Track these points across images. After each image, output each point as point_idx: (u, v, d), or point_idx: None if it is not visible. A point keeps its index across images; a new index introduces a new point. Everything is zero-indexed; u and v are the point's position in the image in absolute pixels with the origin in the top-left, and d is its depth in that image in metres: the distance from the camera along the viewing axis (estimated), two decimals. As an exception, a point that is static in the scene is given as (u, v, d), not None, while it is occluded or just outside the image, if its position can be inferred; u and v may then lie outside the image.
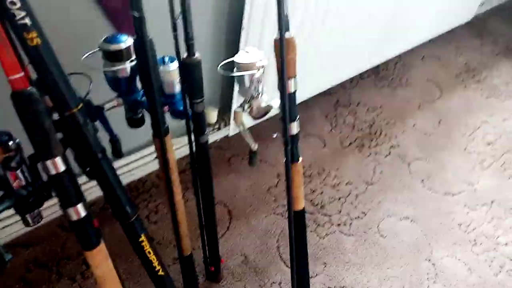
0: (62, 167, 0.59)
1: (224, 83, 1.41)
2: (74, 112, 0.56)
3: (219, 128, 1.50)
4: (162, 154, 0.75)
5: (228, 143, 1.57)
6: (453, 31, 2.26)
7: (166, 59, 0.84)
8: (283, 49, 0.63)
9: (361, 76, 1.96)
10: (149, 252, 0.70)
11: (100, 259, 0.65)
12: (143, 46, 0.63)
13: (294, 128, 0.75)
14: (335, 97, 1.84)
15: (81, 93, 0.73)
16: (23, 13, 0.48)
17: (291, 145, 0.74)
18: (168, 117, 0.88)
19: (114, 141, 0.79)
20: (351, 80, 1.92)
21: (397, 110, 1.83)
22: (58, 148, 0.58)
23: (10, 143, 0.60)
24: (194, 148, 0.88)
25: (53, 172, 0.58)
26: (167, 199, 0.84)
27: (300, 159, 0.79)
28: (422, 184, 1.52)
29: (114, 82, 0.79)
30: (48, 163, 0.57)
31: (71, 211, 0.61)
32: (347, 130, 1.71)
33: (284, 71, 0.65)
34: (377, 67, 1.99)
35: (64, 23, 0.95)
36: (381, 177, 1.53)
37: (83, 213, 0.62)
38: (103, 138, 0.74)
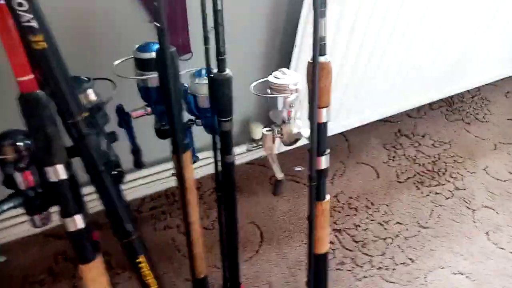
0: (63, 175, 0.56)
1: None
2: (77, 121, 0.54)
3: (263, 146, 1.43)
4: (179, 172, 0.71)
5: (273, 161, 1.50)
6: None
7: (203, 71, 0.80)
8: (315, 75, 0.56)
9: (430, 106, 1.78)
10: (146, 274, 0.66)
11: (94, 275, 0.62)
12: (163, 58, 0.59)
13: (322, 162, 0.67)
14: (398, 126, 1.69)
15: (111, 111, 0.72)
16: (30, 16, 0.46)
17: (317, 182, 0.65)
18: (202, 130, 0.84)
19: (136, 151, 0.77)
20: (419, 109, 1.76)
21: (468, 148, 1.63)
22: (60, 155, 0.55)
23: (21, 143, 0.59)
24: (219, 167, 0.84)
25: (53, 179, 0.56)
26: (182, 219, 0.79)
27: (327, 197, 0.70)
28: (487, 237, 1.32)
29: (144, 91, 0.77)
30: (49, 169, 0.55)
31: (68, 221, 0.59)
32: (406, 163, 1.55)
33: (314, 98, 0.57)
34: (451, 97, 1.81)
35: (105, 27, 0.95)
36: (439, 221, 1.36)
37: (81, 224, 0.60)
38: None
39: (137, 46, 0.74)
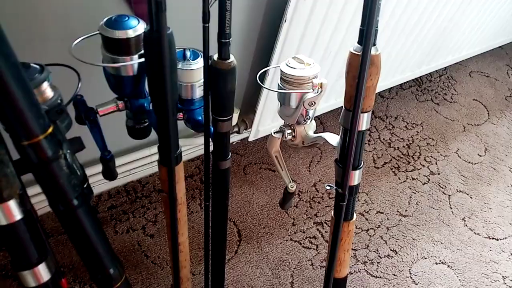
0: (17, 215, 0.39)
1: (249, 81, 1.19)
2: (39, 141, 0.36)
3: (238, 132, 1.29)
4: (170, 188, 0.55)
5: (245, 148, 1.36)
6: (504, 47, 2.02)
7: (188, 53, 0.64)
8: (364, 70, 0.42)
9: (401, 86, 1.73)
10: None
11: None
12: (158, 42, 0.42)
13: (355, 177, 0.54)
14: (371, 107, 1.62)
15: (66, 94, 0.53)
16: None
17: (347, 200, 0.53)
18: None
19: (107, 160, 0.59)
20: (390, 89, 1.70)
21: (439, 130, 1.60)
22: (11, 187, 0.37)
23: None
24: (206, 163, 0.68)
25: (2, 222, 0.38)
26: (169, 239, 0.64)
27: (355, 216, 0.58)
28: (464, 223, 1.31)
29: (116, 80, 0.58)
30: (-5, 209, 0.37)
31: (27, 275, 0.42)
32: (381, 147, 1.49)
33: (358, 102, 0.44)
34: (420, 77, 1.76)
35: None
36: (418, 208, 1.32)
37: (46, 276, 0.43)
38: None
39: (105, 20, 0.55)
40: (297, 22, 0.91)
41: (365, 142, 0.51)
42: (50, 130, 0.36)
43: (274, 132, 0.61)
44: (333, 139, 0.56)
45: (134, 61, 0.54)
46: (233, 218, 1.19)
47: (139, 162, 1.15)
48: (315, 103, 0.55)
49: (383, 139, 1.52)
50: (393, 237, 1.24)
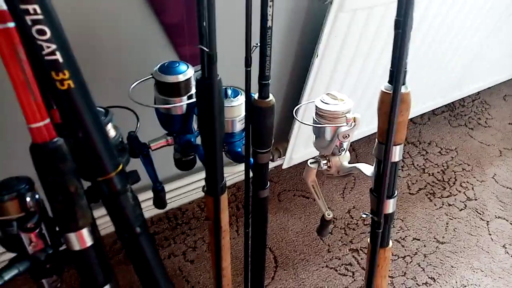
0: (88, 241, 0.44)
1: (282, 111, 1.25)
2: (111, 177, 0.41)
3: (272, 159, 1.33)
4: (215, 216, 0.60)
5: (279, 175, 1.40)
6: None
7: (229, 92, 0.69)
8: (395, 107, 0.46)
9: (433, 111, 1.73)
10: None
11: None
12: (209, 88, 0.48)
13: (390, 206, 0.57)
14: (403, 133, 1.63)
15: (124, 131, 0.59)
16: (53, 46, 0.34)
17: (383, 227, 0.56)
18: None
19: (158, 190, 0.65)
20: (422, 115, 1.71)
21: (474, 155, 1.59)
22: (85, 217, 0.43)
23: (28, 198, 0.47)
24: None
25: (76, 247, 0.44)
26: (213, 264, 0.68)
27: (391, 243, 0.61)
28: (504, 250, 1.28)
29: (166, 119, 0.65)
30: (71, 236, 0.43)
31: (95, 295, 0.47)
32: (415, 173, 1.49)
33: (391, 136, 0.48)
34: (452, 102, 1.76)
35: (111, 40, 0.79)
36: (455, 235, 1.31)
37: (110, 297, 0.48)
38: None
39: (158, 66, 0.62)
40: (328, 57, 0.96)
41: (398, 170, 0.54)
42: (120, 167, 0.42)
43: (310, 163, 0.65)
44: (368, 169, 0.59)
45: (184, 102, 0.60)
46: (269, 245, 1.22)
47: (180, 190, 1.22)
48: (349, 135, 0.59)
49: (417, 165, 1.53)
50: (430, 264, 1.22)
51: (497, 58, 1.61)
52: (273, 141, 1.29)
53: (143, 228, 0.46)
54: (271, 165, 1.40)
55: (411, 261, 1.23)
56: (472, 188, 1.46)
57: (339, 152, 0.62)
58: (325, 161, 0.64)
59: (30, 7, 0.31)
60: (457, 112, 1.77)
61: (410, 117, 1.58)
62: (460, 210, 1.39)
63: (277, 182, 1.39)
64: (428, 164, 1.53)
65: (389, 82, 0.50)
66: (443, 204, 1.40)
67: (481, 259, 1.25)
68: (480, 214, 1.38)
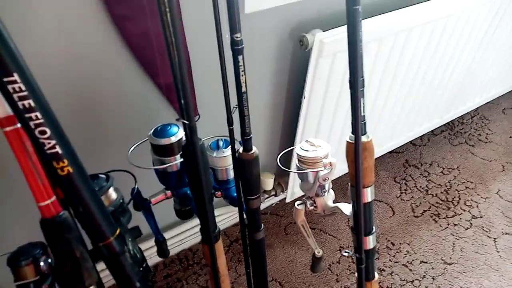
0: (95, 299, 0.50)
1: (280, 149, 1.31)
2: (110, 242, 0.48)
3: (275, 194, 1.38)
4: (212, 263, 0.65)
5: (284, 209, 1.45)
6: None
7: (221, 143, 0.76)
8: (358, 156, 0.52)
9: (433, 131, 1.77)
10: None
11: None
12: (193, 153, 0.54)
13: (370, 242, 0.62)
14: (404, 156, 1.67)
15: (125, 188, 0.66)
16: (53, 142, 0.41)
17: (365, 263, 0.60)
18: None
19: (160, 241, 0.71)
20: (422, 136, 1.74)
21: (477, 172, 1.61)
22: (91, 277, 0.50)
23: (42, 263, 0.53)
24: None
25: (85, 306, 0.50)
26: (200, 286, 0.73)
27: (376, 276, 0.65)
28: (514, 267, 1.29)
29: (163, 176, 0.72)
30: (80, 296, 0.49)
31: None
32: (419, 196, 1.52)
33: (359, 181, 0.53)
34: (451, 121, 1.80)
35: (112, 109, 0.87)
36: (462, 255, 1.32)
37: None
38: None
39: (152, 130, 0.70)
40: (315, 98, 1.02)
41: (373, 210, 0.59)
42: (117, 232, 0.48)
43: (297, 205, 0.70)
44: (347, 209, 0.64)
45: (178, 160, 0.67)
46: (278, 278, 1.26)
47: (189, 232, 1.28)
48: (328, 178, 0.64)
49: (420, 186, 1.55)
50: (439, 287, 1.24)
51: (490, 73, 1.64)
52: (273, 177, 1.35)
53: (143, 283, 0.52)
54: (276, 199, 1.46)
55: (420, 285, 1.24)
56: (477, 206, 1.48)
57: (322, 193, 0.68)
58: (311, 202, 0.69)
59: (33, 115, 0.38)
60: (457, 130, 1.81)
61: (408, 140, 1.61)
62: (466, 229, 1.40)
63: (282, 216, 1.44)
64: (431, 185, 1.56)
65: (352, 132, 0.55)
66: (448, 224, 1.42)
67: (490, 278, 1.26)
68: (487, 231, 1.39)
